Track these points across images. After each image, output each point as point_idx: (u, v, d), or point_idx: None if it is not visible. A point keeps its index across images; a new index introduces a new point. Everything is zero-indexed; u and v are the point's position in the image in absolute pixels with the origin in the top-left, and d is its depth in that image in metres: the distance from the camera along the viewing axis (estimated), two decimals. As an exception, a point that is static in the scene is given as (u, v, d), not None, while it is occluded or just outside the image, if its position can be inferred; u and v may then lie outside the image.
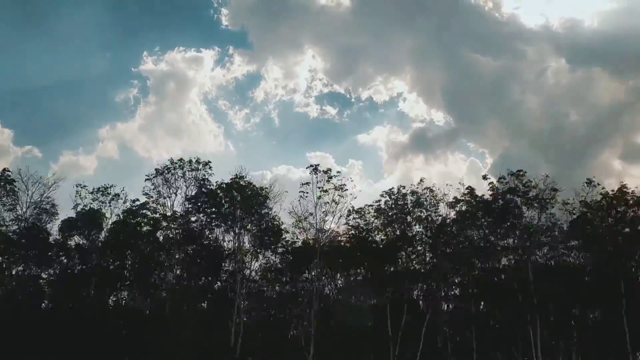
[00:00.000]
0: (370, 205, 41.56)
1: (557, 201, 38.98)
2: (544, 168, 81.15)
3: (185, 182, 38.48)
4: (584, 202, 38.43)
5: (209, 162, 40.00)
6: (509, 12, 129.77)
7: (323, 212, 39.33)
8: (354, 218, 42.38)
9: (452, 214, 41.72)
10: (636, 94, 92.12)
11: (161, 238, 40.23)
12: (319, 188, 38.55)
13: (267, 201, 39.97)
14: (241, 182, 39.55)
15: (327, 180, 38.52)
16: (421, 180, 41.99)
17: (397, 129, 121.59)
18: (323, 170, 38.86)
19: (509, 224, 40.13)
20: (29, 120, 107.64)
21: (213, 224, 39.47)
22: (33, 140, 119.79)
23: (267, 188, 39.72)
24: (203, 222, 39.72)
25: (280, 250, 41.52)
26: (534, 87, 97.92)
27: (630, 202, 37.17)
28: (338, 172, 39.66)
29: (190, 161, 38.96)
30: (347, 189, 39.03)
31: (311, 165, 38.80)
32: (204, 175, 39.00)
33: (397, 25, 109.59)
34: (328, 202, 38.40)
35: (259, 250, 40.59)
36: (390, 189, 42.50)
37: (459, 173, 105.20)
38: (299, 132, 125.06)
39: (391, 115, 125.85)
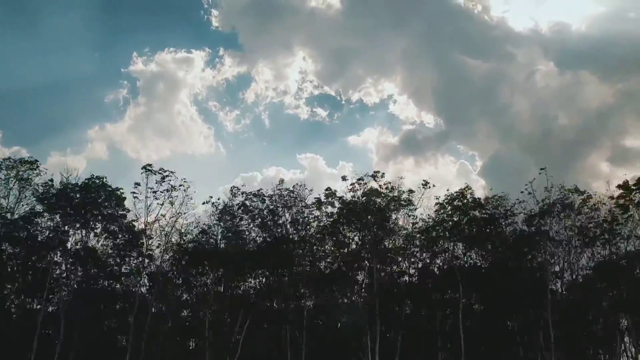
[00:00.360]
0: (234, 207, 40.53)
1: (414, 204, 38.41)
2: (534, 170, 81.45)
3: (18, 182, 37.00)
4: (440, 204, 37.81)
5: (37, 161, 37.94)
6: (499, 15, 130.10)
7: (175, 213, 38.44)
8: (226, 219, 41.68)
9: (317, 215, 40.91)
10: (624, 98, 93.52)
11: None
12: (150, 189, 37.45)
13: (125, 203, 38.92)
14: (98, 182, 38.52)
15: (161, 182, 37.40)
16: (281, 181, 41.15)
17: (388, 130, 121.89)
18: (156, 171, 37.66)
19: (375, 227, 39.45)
20: (17, 120, 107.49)
21: (66, 226, 38.32)
22: (21, 141, 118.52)
23: (122, 189, 38.68)
24: (58, 224, 38.57)
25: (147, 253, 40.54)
26: (524, 90, 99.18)
27: (471, 204, 36.50)
28: (172, 172, 38.06)
29: (21, 160, 37.09)
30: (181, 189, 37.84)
31: (144, 167, 37.59)
32: (30, 175, 37.08)
33: (387, 28, 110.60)
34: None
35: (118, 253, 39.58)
36: (258, 191, 41.60)
37: (449, 175, 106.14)
38: (289, 133, 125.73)
39: (381, 117, 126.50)
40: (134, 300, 37.35)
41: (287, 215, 42.12)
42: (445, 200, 37.19)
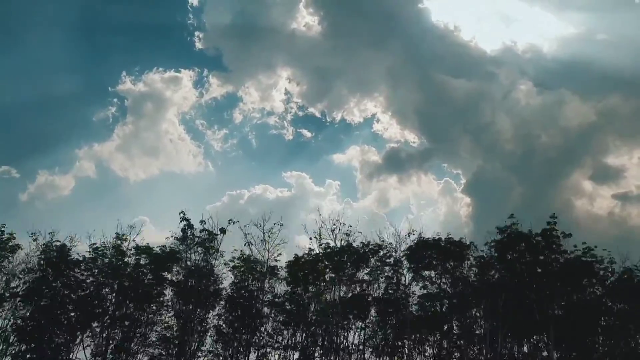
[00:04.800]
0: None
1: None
2: (517, 188, 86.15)
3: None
4: None
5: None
6: (471, 35, 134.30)
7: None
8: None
9: None
10: (605, 116, 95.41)
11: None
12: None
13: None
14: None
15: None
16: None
17: (371, 149, 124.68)
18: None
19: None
20: (4, 139, 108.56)
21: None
22: (9, 160, 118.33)
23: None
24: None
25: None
26: (506, 109, 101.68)
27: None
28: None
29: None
30: None
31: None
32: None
33: (368, 48, 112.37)
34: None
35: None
36: None
37: (433, 193, 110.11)
38: (275, 152, 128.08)
39: (365, 136, 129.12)
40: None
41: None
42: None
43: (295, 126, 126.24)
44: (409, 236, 41.03)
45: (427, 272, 40.51)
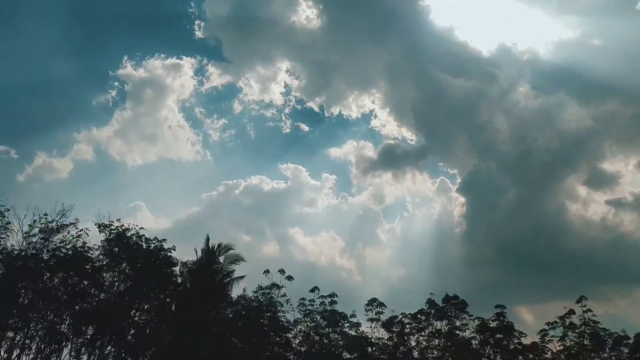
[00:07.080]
0: None
1: None
2: (512, 190, 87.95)
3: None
4: None
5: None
6: (469, 35, 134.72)
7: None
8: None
9: None
10: (602, 122, 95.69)
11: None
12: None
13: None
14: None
15: None
16: None
17: (367, 144, 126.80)
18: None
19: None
20: (4, 119, 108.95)
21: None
22: (7, 141, 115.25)
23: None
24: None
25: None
26: (502, 111, 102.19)
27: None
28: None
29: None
30: None
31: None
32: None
33: (367, 44, 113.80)
34: None
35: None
36: None
37: (427, 191, 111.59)
38: (273, 144, 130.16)
39: (362, 132, 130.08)
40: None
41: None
42: None
43: (293, 119, 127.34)
44: None
45: None
